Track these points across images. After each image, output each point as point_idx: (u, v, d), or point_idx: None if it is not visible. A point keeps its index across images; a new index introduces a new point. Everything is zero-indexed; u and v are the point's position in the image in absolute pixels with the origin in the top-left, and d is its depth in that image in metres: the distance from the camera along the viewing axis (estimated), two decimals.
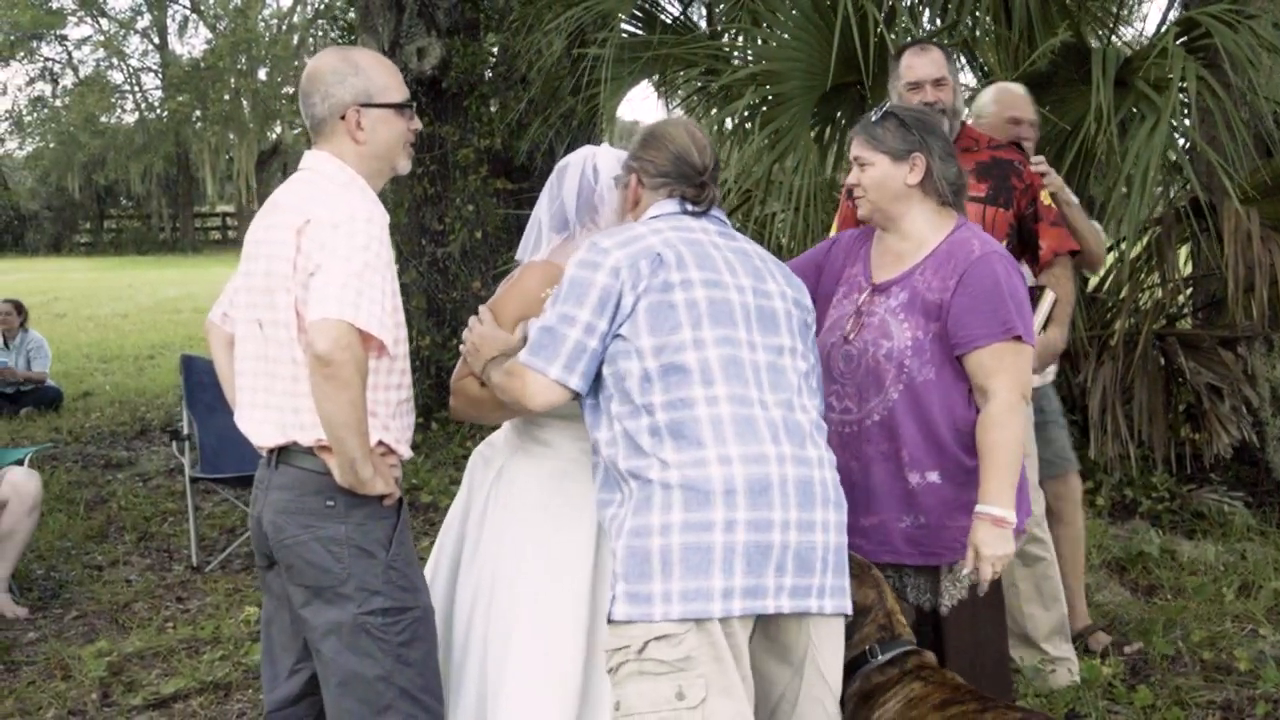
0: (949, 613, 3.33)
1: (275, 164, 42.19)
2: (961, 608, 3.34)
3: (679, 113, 8.87)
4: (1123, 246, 6.51)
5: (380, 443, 3.05)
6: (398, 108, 3.11)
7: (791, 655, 2.88)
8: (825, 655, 2.91)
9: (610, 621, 2.74)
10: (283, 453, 3.05)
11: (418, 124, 3.22)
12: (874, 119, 3.36)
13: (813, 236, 6.00)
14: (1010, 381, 3.18)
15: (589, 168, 3.38)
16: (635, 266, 2.79)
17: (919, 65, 4.35)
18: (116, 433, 10.25)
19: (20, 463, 6.27)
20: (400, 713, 3.02)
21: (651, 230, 2.89)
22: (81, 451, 9.49)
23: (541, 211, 3.43)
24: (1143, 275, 7.11)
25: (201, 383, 7.21)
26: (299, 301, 2.93)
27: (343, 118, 3.06)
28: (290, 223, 2.97)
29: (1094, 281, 7.17)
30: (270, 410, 3.05)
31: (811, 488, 2.79)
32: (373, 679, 2.99)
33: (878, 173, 3.33)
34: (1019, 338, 3.20)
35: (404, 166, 3.21)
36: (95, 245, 40.27)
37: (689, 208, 3.00)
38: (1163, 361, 6.58)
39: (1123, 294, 6.90)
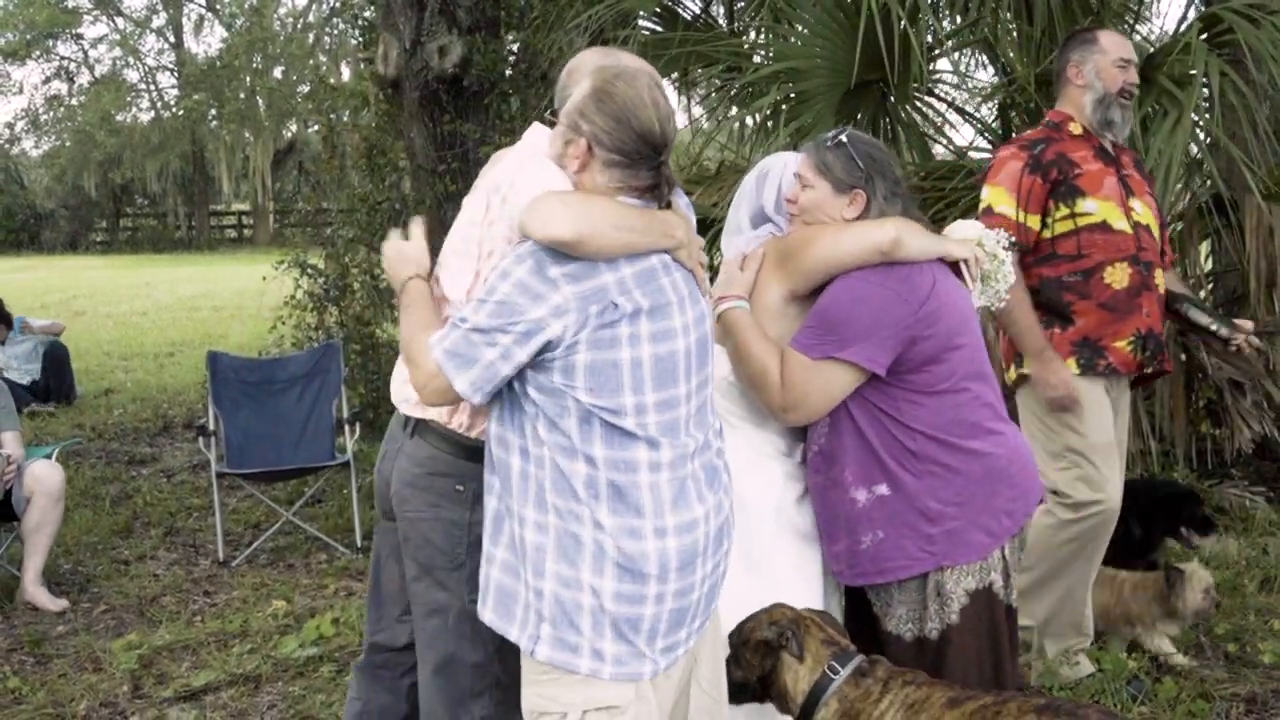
0: (939, 638, 3.26)
1: (290, 162, 42.31)
2: (950, 635, 3.26)
3: (698, 110, 8.90)
4: None
5: None
6: None
7: (679, 684, 2.90)
8: (704, 664, 2.92)
9: (532, 657, 2.71)
10: (420, 423, 3.05)
11: None
12: (828, 143, 3.33)
13: None
14: (788, 378, 3.19)
15: (787, 175, 3.48)
16: (584, 311, 2.56)
17: (1127, 46, 4.46)
18: (139, 429, 10.32)
19: (48, 459, 6.34)
20: (492, 699, 3.05)
21: (607, 261, 2.61)
22: (105, 448, 9.56)
23: (741, 214, 3.55)
24: None
25: (227, 379, 7.29)
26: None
27: None
28: (483, 185, 3.04)
29: None
30: None
31: (726, 529, 2.82)
32: (470, 665, 3.02)
33: (816, 197, 3.31)
34: (795, 350, 3.21)
35: None
36: (111, 243, 40.44)
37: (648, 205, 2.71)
38: (1184, 357, 6.57)
39: None
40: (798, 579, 3.35)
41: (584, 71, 2.92)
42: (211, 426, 7.04)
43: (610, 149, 2.64)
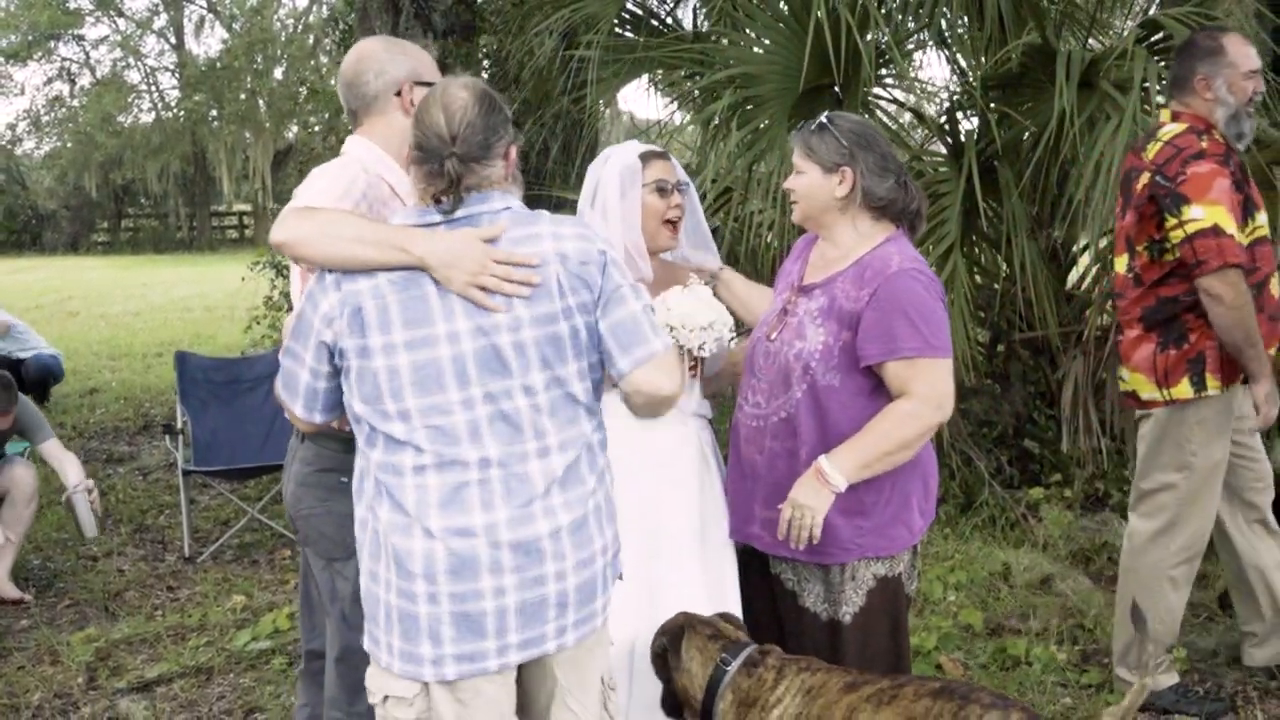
0: (850, 621, 3.35)
1: (291, 163, 42.37)
2: (860, 618, 3.36)
3: (665, 113, 8.99)
4: (1103, 244, 6.61)
5: None
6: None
7: (535, 703, 2.92)
8: (575, 690, 2.90)
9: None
10: None
11: None
12: (812, 128, 3.41)
13: (796, 231, 6.10)
14: (922, 388, 3.17)
15: (599, 173, 3.65)
16: (342, 318, 2.65)
17: (1253, 53, 4.26)
18: (120, 428, 10.44)
19: (22, 454, 6.47)
20: None
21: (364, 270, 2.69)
22: (84, 446, 9.65)
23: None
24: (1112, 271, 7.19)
25: (195, 379, 7.41)
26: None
27: (398, 94, 3.20)
28: None
29: (1071, 278, 7.30)
30: None
31: (536, 545, 2.68)
32: (363, 652, 3.06)
33: (808, 181, 3.40)
34: (912, 356, 3.19)
35: None
36: (113, 244, 40.53)
37: (436, 218, 2.73)
38: None
39: (1093, 290, 7.00)
40: (686, 537, 3.51)
41: (373, 63, 3.18)
42: (179, 425, 7.17)
43: (413, 145, 2.74)
